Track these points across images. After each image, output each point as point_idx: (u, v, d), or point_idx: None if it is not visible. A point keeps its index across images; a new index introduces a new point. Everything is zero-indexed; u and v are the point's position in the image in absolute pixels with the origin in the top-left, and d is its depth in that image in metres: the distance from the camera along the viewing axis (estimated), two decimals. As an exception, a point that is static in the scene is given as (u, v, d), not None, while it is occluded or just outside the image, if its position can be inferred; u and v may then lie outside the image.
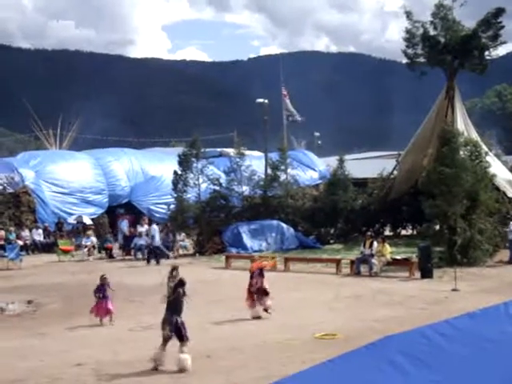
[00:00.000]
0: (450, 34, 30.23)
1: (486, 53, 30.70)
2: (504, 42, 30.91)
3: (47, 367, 11.29)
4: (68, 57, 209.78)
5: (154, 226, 30.28)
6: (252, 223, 31.09)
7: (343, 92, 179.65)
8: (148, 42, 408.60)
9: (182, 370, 10.65)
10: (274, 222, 31.26)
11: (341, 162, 33.80)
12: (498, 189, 27.39)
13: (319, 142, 72.95)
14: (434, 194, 23.46)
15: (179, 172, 31.82)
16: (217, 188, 32.48)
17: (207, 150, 36.50)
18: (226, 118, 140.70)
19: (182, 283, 11.15)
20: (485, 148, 27.30)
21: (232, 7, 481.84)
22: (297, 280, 21.39)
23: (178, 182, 31.76)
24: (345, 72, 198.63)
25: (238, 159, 33.09)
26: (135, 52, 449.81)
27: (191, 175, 31.87)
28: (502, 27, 30.26)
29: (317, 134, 73.23)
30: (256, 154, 43.40)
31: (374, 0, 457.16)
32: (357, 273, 22.23)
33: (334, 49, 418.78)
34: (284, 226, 31.08)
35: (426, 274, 20.73)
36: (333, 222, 32.99)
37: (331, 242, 32.36)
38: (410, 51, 31.39)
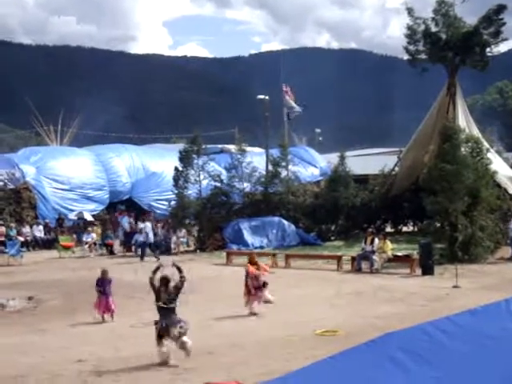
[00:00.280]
0: (451, 30, 30.17)
1: (488, 49, 30.62)
2: (505, 39, 30.83)
3: (48, 363, 11.31)
4: (69, 53, 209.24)
5: (147, 223, 30.20)
6: (253, 220, 31.09)
7: (344, 88, 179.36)
8: (149, 38, 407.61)
9: (188, 353, 10.93)
10: (275, 219, 31.24)
11: (342, 158, 33.76)
12: (499, 185, 27.37)
13: (320, 139, 72.86)
14: (435, 190, 23.46)
15: (180, 168, 31.82)
16: (218, 184, 32.48)
17: (208, 146, 36.47)
18: (227, 114, 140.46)
19: (168, 281, 11.33)
20: (486, 145, 27.29)
21: (232, 3, 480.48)
22: (298, 277, 21.40)
23: (179, 178, 31.77)
24: (346, 68, 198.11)
25: (239, 155, 33.08)
26: (136, 48, 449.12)
27: (192, 171, 31.88)
28: (504, 24, 30.19)
29: (318, 130, 73.18)
30: (257, 151, 43.36)
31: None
32: (358, 269, 22.25)
33: (335, 45, 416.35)
34: (285, 222, 31.06)
35: (427, 270, 20.72)
36: (334, 218, 32.97)
37: (332, 238, 32.35)
38: (411, 48, 31.32)
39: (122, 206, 39.61)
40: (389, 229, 34.15)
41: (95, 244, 31.73)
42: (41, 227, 34.94)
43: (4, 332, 14.13)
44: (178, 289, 11.28)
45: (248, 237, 29.95)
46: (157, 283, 11.33)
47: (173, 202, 32.43)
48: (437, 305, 15.39)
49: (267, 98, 39.17)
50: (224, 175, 33.28)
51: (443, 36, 30.45)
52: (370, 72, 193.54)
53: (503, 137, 63.02)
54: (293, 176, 34.93)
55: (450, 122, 27.33)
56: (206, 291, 18.13)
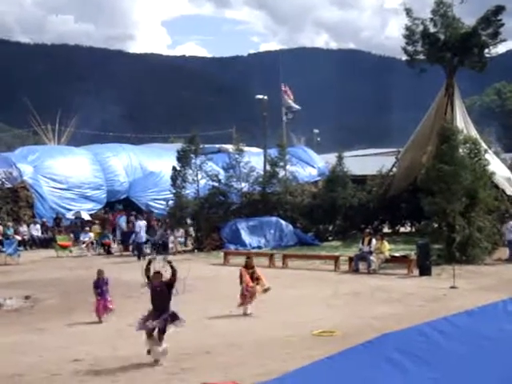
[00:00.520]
0: (449, 31, 30.22)
1: (486, 50, 30.69)
2: (504, 40, 30.89)
3: (46, 362, 11.29)
4: (67, 52, 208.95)
5: (140, 223, 30.12)
6: (251, 220, 31.09)
7: (343, 89, 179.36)
8: (148, 38, 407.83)
9: (157, 360, 10.90)
10: (273, 219, 31.24)
11: (340, 158, 33.79)
12: (497, 186, 27.42)
13: (318, 139, 72.93)
14: (433, 191, 23.47)
15: (178, 168, 31.79)
16: (215, 184, 32.47)
17: (206, 146, 36.50)
18: (226, 113, 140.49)
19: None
20: (484, 146, 27.29)
21: (232, 3, 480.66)
22: (295, 277, 21.40)
23: (177, 177, 31.74)
24: (344, 69, 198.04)
25: (236, 155, 33.07)
26: (135, 47, 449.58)
27: (190, 171, 31.86)
28: (502, 25, 30.25)
29: (316, 130, 73.29)
30: (255, 151, 43.40)
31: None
32: (355, 270, 22.24)
33: (333, 45, 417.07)
34: (283, 222, 31.06)
35: (425, 271, 20.72)
36: (331, 218, 32.99)
37: (330, 238, 32.38)
38: (409, 48, 31.37)
39: (120, 206, 39.60)
40: (386, 229, 34.20)
41: (92, 243, 31.71)
42: (38, 226, 34.89)
43: (1, 331, 14.11)
44: (169, 286, 11.30)
45: (246, 237, 29.95)
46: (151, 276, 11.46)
47: (170, 202, 32.41)
48: (434, 305, 15.39)
49: (266, 97, 39.18)
50: (222, 175, 33.29)
51: (441, 37, 30.50)
52: (368, 72, 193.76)
53: (501, 138, 63.04)
54: (291, 176, 34.94)
55: (448, 122, 27.37)
56: (203, 291, 18.12)
